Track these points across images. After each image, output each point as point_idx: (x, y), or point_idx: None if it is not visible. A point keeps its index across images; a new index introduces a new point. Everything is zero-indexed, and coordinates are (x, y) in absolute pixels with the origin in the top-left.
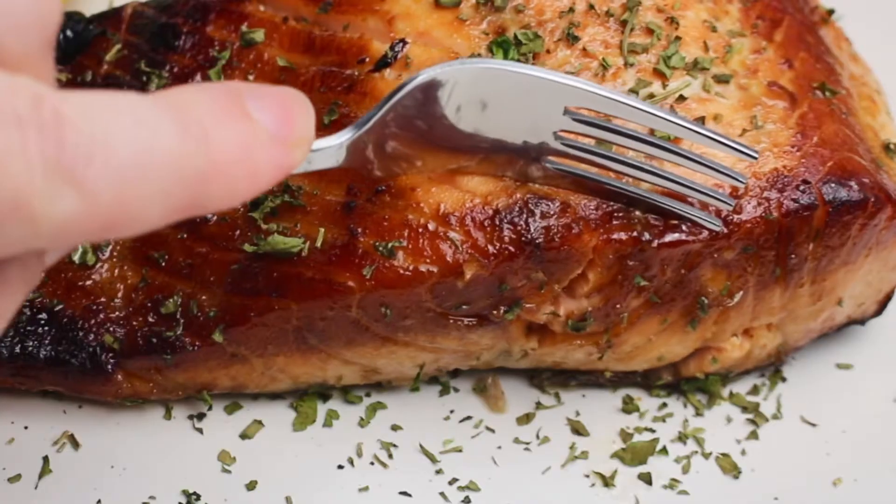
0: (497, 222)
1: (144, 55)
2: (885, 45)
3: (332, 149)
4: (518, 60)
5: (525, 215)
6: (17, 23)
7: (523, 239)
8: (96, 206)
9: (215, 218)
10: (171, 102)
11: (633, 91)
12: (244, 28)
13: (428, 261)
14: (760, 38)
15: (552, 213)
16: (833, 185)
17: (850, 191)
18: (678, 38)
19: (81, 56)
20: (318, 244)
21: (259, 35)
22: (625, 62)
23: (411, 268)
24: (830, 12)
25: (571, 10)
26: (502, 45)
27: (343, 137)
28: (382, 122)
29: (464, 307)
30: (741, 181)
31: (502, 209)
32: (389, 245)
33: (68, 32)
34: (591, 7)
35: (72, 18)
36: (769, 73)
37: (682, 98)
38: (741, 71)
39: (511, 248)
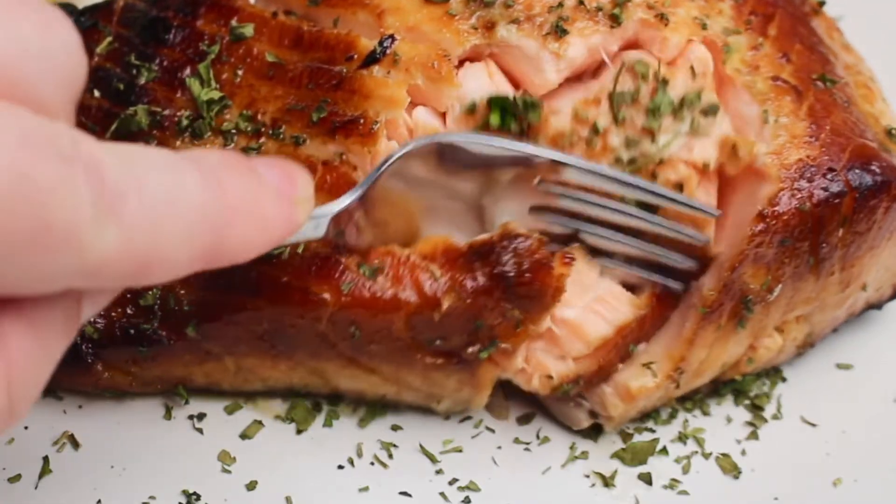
0: (473, 256)
1: (135, 48)
2: (881, 38)
3: (325, 218)
4: (513, 126)
5: (499, 251)
6: (55, 74)
7: (495, 272)
8: (133, 243)
9: None
10: (187, 155)
11: (620, 158)
12: (234, 23)
13: (406, 290)
14: (755, 34)
15: (526, 250)
16: (857, 171)
17: (874, 175)
18: (665, 81)
19: None
20: (300, 250)
21: (248, 30)
22: (615, 119)
23: (390, 293)
24: (821, 3)
25: (560, 4)
26: (501, 108)
27: (336, 207)
28: (365, 194)
29: (438, 342)
30: (701, 240)
31: (479, 244)
32: (374, 266)
33: None
34: (581, 2)
35: (64, 10)
36: (770, 69)
37: (661, 161)
38: (743, 69)
39: (486, 282)
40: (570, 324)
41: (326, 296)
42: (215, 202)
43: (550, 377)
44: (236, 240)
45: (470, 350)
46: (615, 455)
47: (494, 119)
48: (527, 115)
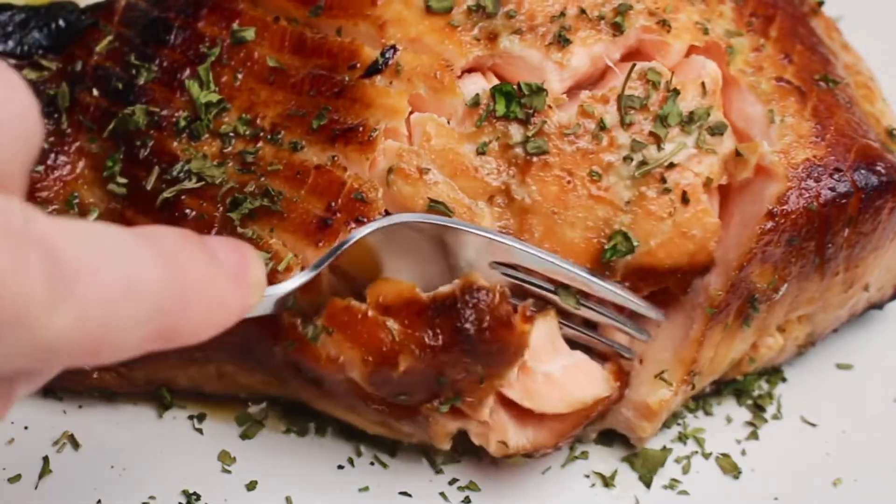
0: (435, 311)
1: (135, 48)
2: (881, 38)
3: (272, 298)
4: (519, 113)
5: (460, 306)
6: (12, 141)
7: (456, 328)
8: (87, 324)
9: (194, 213)
10: (147, 234)
11: (629, 157)
12: (235, 26)
13: (353, 349)
14: (757, 35)
15: (488, 305)
16: (863, 171)
17: (880, 176)
18: (676, 91)
19: (72, 46)
20: (281, 268)
21: (250, 33)
22: (621, 120)
23: (335, 353)
24: (820, 3)
25: (563, 14)
26: (506, 94)
27: (284, 289)
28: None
29: (402, 397)
30: (642, 338)
31: (442, 298)
32: (318, 329)
33: (60, 22)
34: (583, 11)
35: (65, 8)
36: (773, 70)
37: (672, 165)
38: (747, 70)
39: (446, 339)
40: (552, 378)
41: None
42: (172, 285)
43: (506, 444)
44: (191, 322)
45: (432, 404)
46: (625, 459)
47: (500, 107)
48: (531, 102)
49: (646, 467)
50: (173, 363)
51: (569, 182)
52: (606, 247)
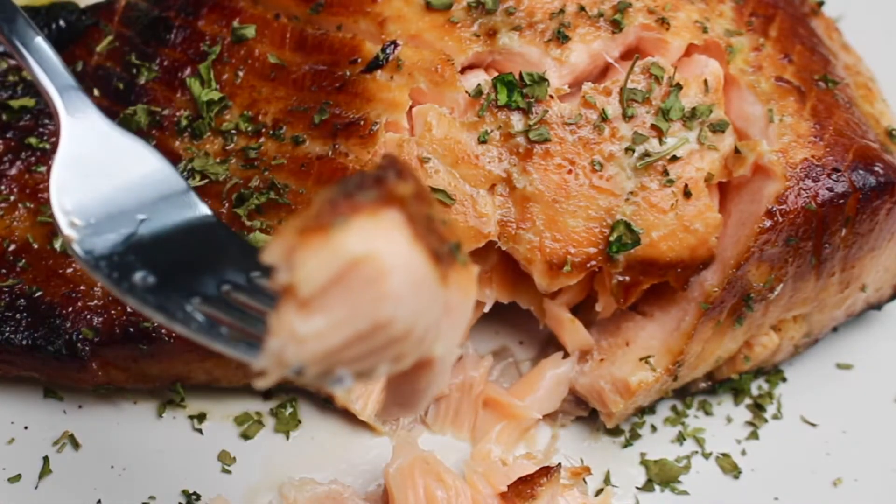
0: None
1: (135, 48)
2: (881, 38)
3: None
4: (521, 102)
5: None
6: None
7: None
8: None
9: None
10: None
11: (631, 149)
12: (235, 24)
13: None
14: (757, 35)
15: None
16: (861, 171)
17: (878, 176)
18: (679, 86)
19: (73, 46)
20: None
21: (250, 31)
22: (623, 112)
23: None
24: (820, 3)
25: (562, 11)
26: (507, 84)
27: None
28: None
29: None
30: None
31: None
32: None
33: (61, 22)
34: (582, 9)
35: (65, 8)
36: (773, 69)
37: (675, 158)
38: (747, 69)
39: None
40: None
41: None
42: None
43: None
44: None
45: None
46: (643, 462)
47: (501, 96)
48: (533, 91)
49: (661, 475)
50: (189, 357)
51: (570, 171)
52: (611, 239)
